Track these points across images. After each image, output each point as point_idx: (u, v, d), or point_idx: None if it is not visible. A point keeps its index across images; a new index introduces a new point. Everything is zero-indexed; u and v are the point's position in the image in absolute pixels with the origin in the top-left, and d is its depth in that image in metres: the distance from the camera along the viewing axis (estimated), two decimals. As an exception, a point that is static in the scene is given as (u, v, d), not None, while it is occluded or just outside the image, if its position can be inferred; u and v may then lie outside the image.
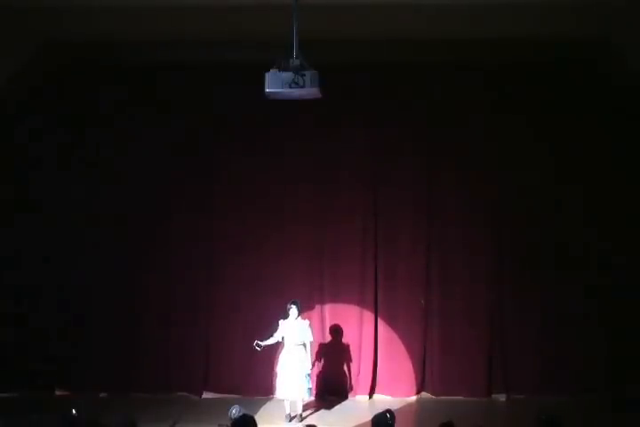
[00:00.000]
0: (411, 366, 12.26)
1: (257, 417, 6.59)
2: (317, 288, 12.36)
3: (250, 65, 9.86)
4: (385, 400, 11.93)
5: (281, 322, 10.92)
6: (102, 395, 12.11)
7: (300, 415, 10.98)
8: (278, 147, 12.35)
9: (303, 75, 7.79)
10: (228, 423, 6.67)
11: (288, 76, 7.82)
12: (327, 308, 12.34)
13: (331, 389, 12.14)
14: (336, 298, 12.33)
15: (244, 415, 6.60)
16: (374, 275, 12.34)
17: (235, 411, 9.43)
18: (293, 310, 10.89)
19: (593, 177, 12.14)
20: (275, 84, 7.91)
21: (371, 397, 12.29)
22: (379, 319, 12.31)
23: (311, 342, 11.02)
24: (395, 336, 12.28)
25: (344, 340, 12.26)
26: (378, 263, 12.34)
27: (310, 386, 10.97)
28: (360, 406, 11.88)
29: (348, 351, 12.25)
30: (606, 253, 12.04)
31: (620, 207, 12.06)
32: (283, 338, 10.88)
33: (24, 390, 11.95)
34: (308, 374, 10.91)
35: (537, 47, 11.29)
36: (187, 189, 12.39)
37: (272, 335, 10.86)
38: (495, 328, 12.25)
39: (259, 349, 10.66)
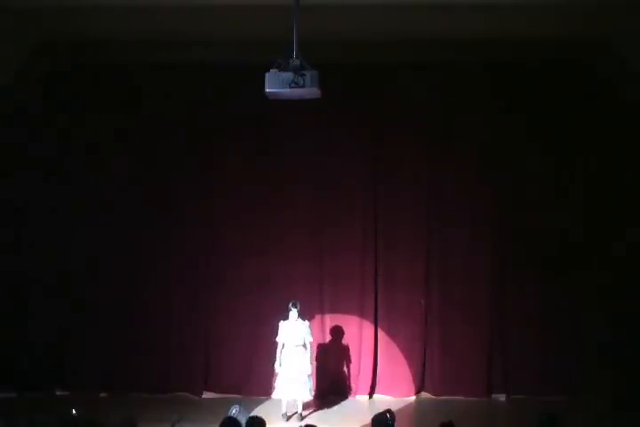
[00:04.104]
0: (411, 365, 12.26)
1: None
2: (318, 288, 12.36)
3: (250, 65, 9.86)
4: (385, 400, 11.92)
5: (281, 323, 10.94)
6: (102, 395, 12.12)
7: (300, 415, 11.00)
8: (278, 147, 12.34)
9: (303, 75, 7.79)
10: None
11: (288, 76, 7.81)
12: (327, 308, 12.34)
13: (331, 389, 12.15)
14: (336, 298, 12.33)
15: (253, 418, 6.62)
16: (374, 275, 12.34)
17: (235, 411, 9.45)
18: (293, 312, 10.91)
19: (593, 177, 12.15)
20: (275, 84, 7.90)
21: (371, 397, 12.30)
22: (379, 319, 12.31)
23: (311, 343, 11.05)
24: (395, 336, 12.28)
25: (344, 340, 12.27)
26: (378, 264, 12.34)
27: (311, 386, 11.00)
28: (360, 406, 11.89)
29: (349, 351, 12.26)
30: (607, 252, 12.04)
31: (620, 207, 12.07)
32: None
33: (24, 390, 11.96)
34: (309, 374, 10.95)
35: (537, 47, 11.30)
36: (187, 189, 12.39)
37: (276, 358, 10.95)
38: (495, 328, 12.26)
39: None
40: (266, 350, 11.52)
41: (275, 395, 11.31)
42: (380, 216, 12.40)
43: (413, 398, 12.26)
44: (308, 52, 7.94)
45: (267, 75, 7.91)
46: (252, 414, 7.18)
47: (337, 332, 12.26)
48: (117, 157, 12.35)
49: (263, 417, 6.62)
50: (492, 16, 9.97)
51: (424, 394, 12.36)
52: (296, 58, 7.90)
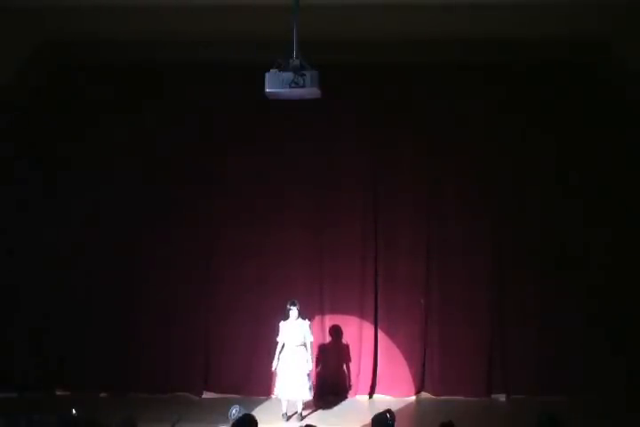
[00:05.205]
0: (411, 365, 12.26)
1: (256, 417, 6.60)
2: (318, 288, 12.36)
3: (250, 65, 9.86)
4: (385, 400, 11.92)
5: (281, 324, 10.95)
6: (102, 395, 12.12)
7: (300, 415, 11.01)
8: (278, 147, 12.35)
9: (303, 75, 7.79)
10: (229, 424, 6.66)
11: (288, 76, 7.81)
12: (327, 308, 12.33)
13: (331, 389, 12.15)
14: (336, 298, 12.33)
15: (244, 416, 6.60)
16: (374, 275, 12.34)
17: (235, 411, 9.46)
18: (293, 311, 10.92)
19: (593, 177, 12.15)
20: (275, 84, 7.90)
21: (371, 397, 12.30)
22: (379, 319, 12.31)
23: (311, 342, 11.05)
24: (395, 336, 12.28)
25: (344, 340, 12.27)
26: (378, 264, 12.34)
27: (310, 385, 11.00)
28: (360, 406, 11.89)
29: (348, 351, 12.26)
30: (606, 253, 12.04)
31: (620, 207, 12.07)
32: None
33: (24, 390, 11.95)
34: (309, 374, 10.95)
35: (537, 47, 11.30)
36: (187, 189, 12.39)
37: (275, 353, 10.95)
38: (495, 328, 12.25)
39: None
40: (266, 350, 11.51)
41: (275, 395, 11.32)
42: (380, 216, 12.40)
43: (413, 398, 12.26)
44: (307, 52, 7.94)
45: (267, 75, 7.91)
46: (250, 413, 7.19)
47: (337, 332, 12.27)
48: (117, 157, 12.34)
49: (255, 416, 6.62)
50: (492, 16, 9.97)
51: (424, 394, 12.36)
52: (296, 58, 7.89)
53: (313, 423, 7.07)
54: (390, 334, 12.29)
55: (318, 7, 8.84)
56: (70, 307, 12.24)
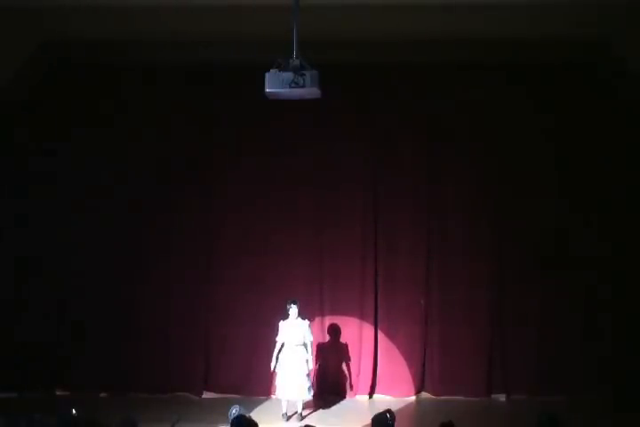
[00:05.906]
0: (411, 365, 12.25)
1: (256, 417, 6.60)
2: (318, 288, 12.36)
3: (250, 65, 9.86)
4: (385, 400, 11.92)
5: (281, 323, 10.95)
6: (102, 395, 12.12)
7: (300, 415, 11.01)
8: (278, 147, 12.34)
9: (303, 75, 7.78)
10: (228, 425, 6.66)
11: (288, 76, 7.81)
12: (327, 308, 12.33)
13: (331, 389, 12.14)
14: (336, 298, 12.32)
15: (241, 417, 6.60)
16: (374, 276, 12.33)
17: (235, 411, 9.42)
18: (293, 310, 10.93)
19: (593, 177, 12.15)
20: (275, 84, 7.90)
21: (371, 397, 12.30)
22: (379, 320, 12.31)
23: (311, 342, 11.06)
24: (395, 336, 12.28)
25: (344, 340, 12.27)
26: (378, 264, 12.34)
27: (310, 385, 11.00)
28: (360, 406, 11.89)
29: (348, 351, 12.26)
30: (606, 253, 12.03)
31: (620, 207, 12.07)
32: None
33: (24, 390, 11.95)
34: (309, 374, 10.95)
35: (537, 47, 11.30)
36: (186, 189, 12.39)
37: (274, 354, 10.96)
38: (495, 328, 12.25)
39: None
40: (266, 350, 11.50)
41: (276, 394, 11.32)
42: (380, 216, 12.40)
43: (413, 398, 12.26)
44: (307, 52, 7.94)
45: (267, 75, 7.90)
46: (249, 414, 7.20)
47: (336, 332, 12.26)
48: (117, 157, 12.34)
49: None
50: (492, 16, 9.98)
51: (424, 394, 12.36)
52: (296, 58, 7.89)
53: (313, 423, 7.07)
54: (390, 335, 12.30)
55: (318, 7, 8.84)
56: (70, 307, 12.24)
